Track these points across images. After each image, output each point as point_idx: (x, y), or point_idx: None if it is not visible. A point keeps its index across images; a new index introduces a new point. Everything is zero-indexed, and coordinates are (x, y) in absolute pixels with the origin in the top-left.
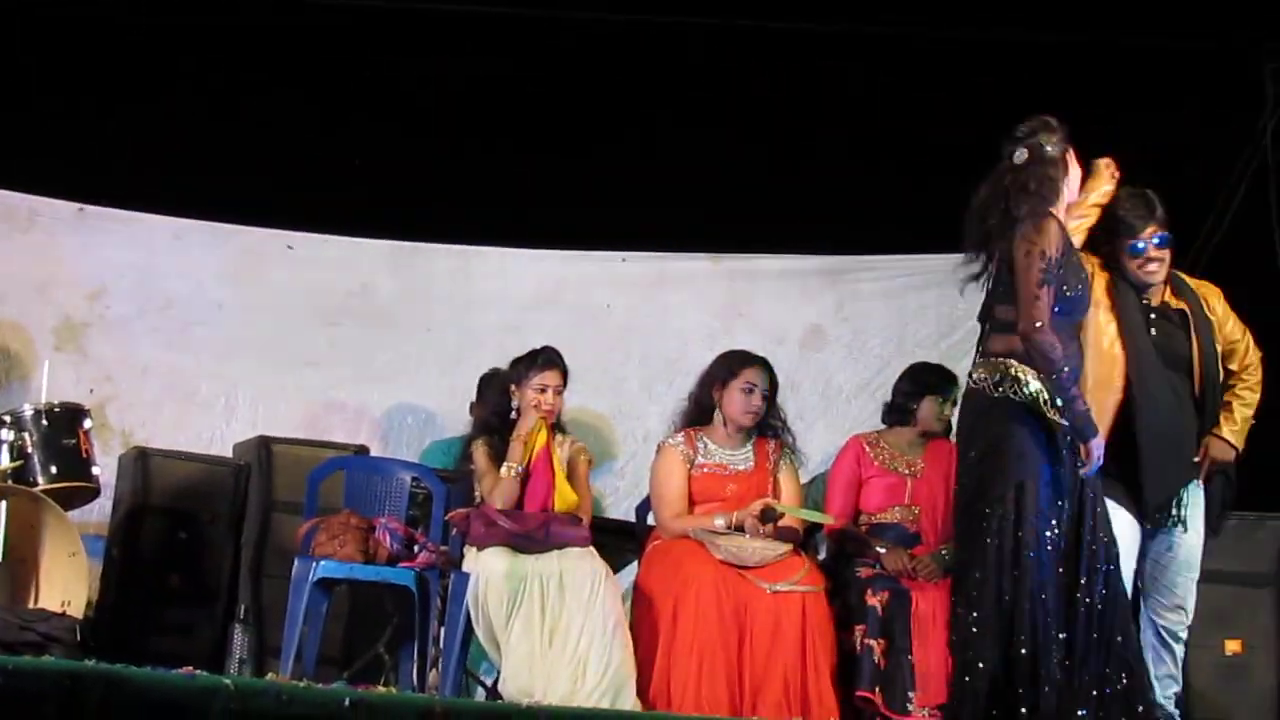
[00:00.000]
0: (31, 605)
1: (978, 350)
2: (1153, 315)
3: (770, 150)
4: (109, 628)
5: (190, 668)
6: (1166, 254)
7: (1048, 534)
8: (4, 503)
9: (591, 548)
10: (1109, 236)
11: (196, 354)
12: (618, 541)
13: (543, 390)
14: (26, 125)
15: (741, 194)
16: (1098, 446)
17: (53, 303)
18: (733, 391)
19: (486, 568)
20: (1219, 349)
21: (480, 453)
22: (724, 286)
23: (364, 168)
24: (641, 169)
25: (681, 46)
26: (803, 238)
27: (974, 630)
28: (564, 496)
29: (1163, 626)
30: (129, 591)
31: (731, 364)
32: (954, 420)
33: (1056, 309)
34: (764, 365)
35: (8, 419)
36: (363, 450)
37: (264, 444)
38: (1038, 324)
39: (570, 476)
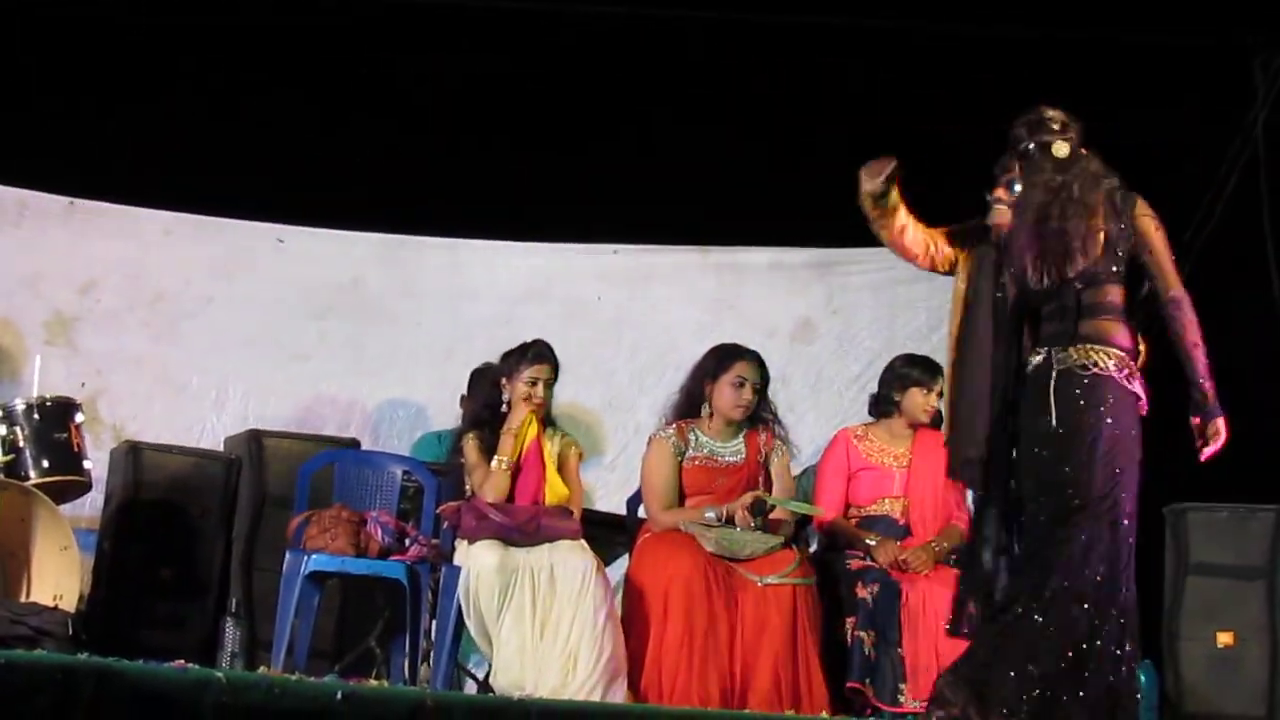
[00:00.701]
0: (23, 599)
1: (1068, 334)
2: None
3: (760, 144)
4: (101, 621)
5: (182, 661)
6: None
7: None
8: None
9: (582, 540)
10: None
11: (187, 348)
12: (608, 534)
13: (533, 384)
14: (17, 119)
15: (731, 187)
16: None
17: (43, 297)
18: (723, 386)
19: (477, 561)
20: None
21: (471, 446)
22: (714, 279)
23: (354, 161)
24: (631, 162)
25: (672, 41)
26: (792, 231)
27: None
28: (555, 489)
29: None
30: (121, 585)
31: (722, 358)
32: (941, 410)
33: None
34: (755, 359)
35: None
36: (354, 444)
37: (255, 438)
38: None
39: (561, 469)
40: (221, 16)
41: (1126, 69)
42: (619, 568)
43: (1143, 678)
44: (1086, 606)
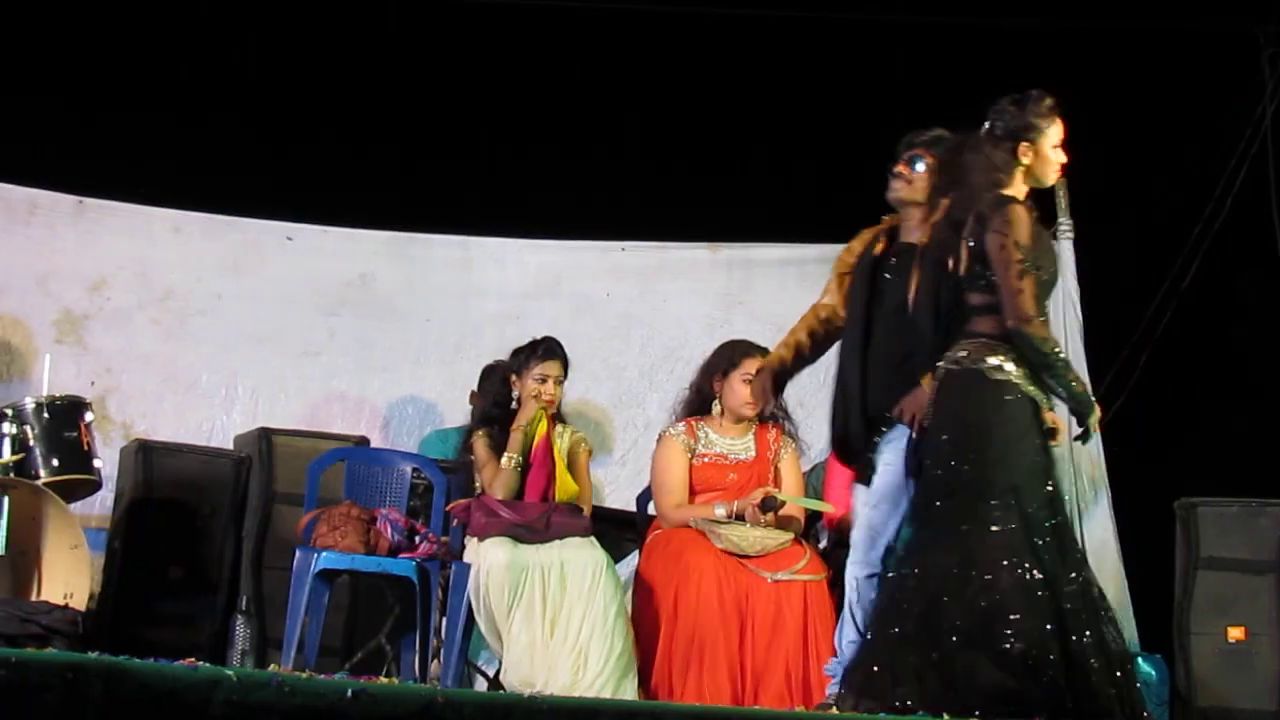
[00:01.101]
0: (34, 598)
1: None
2: (891, 257)
3: (769, 139)
4: (111, 620)
5: (192, 659)
6: (916, 177)
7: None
8: (6, 496)
9: (592, 537)
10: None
11: (197, 345)
12: (618, 531)
13: (543, 380)
14: (26, 118)
15: (740, 183)
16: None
17: (53, 295)
18: (733, 382)
19: (487, 558)
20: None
21: (480, 443)
22: (723, 275)
23: (364, 159)
24: (641, 158)
25: (682, 36)
26: (803, 226)
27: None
28: (564, 486)
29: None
30: (131, 584)
31: (733, 355)
32: None
33: None
34: (765, 355)
35: (9, 412)
36: (363, 441)
37: (264, 435)
38: (1027, 317)
39: (571, 466)
40: (230, 14)
41: (1129, 56)
42: (629, 564)
43: (1154, 672)
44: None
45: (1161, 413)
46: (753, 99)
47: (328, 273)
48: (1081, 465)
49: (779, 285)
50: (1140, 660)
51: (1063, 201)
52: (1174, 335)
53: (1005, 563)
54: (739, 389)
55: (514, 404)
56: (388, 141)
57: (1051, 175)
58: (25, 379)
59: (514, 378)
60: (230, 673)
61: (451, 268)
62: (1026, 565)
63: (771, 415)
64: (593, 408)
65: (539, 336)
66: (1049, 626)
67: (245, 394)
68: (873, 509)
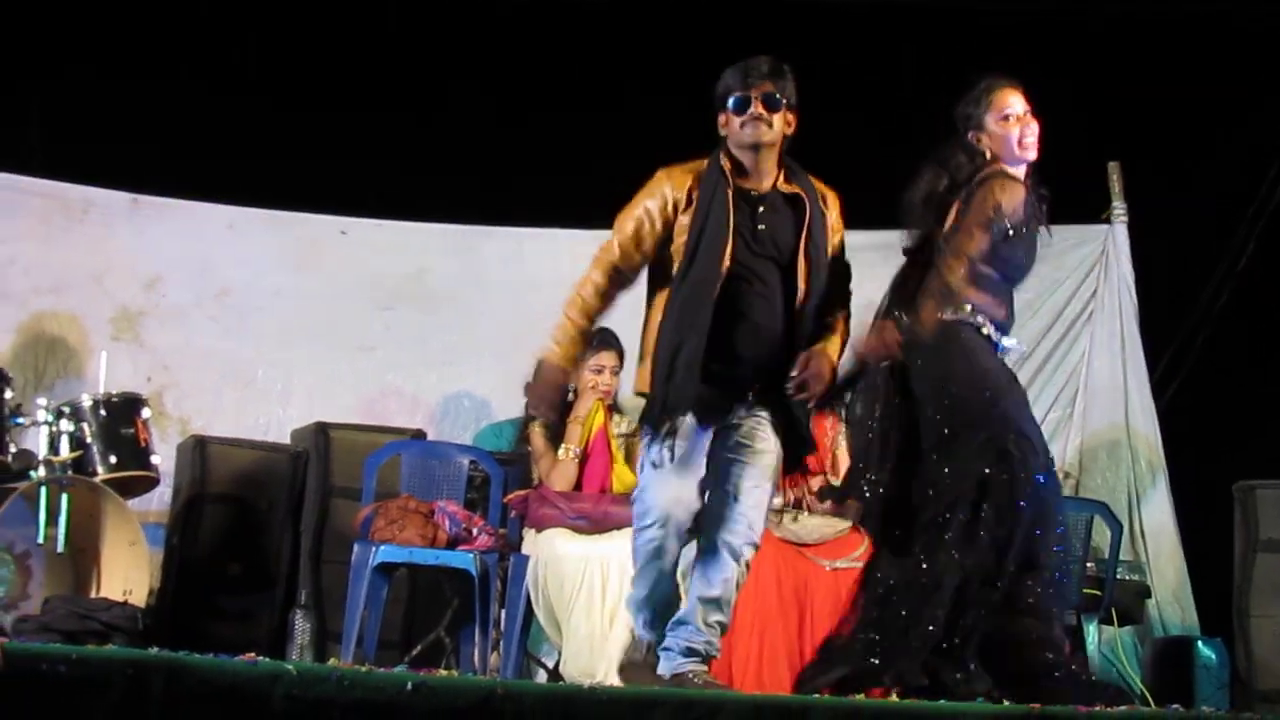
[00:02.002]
0: (93, 594)
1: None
2: (760, 206)
3: (820, 126)
4: (170, 615)
5: (252, 654)
6: (776, 119)
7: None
8: (64, 494)
9: None
10: (720, 95)
11: (253, 341)
12: None
13: (599, 371)
14: (81, 117)
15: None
16: None
17: (109, 293)
18: None
19: (546, 550)
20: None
21: (537, 435)
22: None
23: (417, 152)
24: (698, 146)
25: (727, 22)
26: (856, 213)
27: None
28: (622, 478)
29: (726, 540)
30: (190, 579)
31: None
32: None
33: (999, 274)
34: None
35: (66, 410)
36: (420, 435)
37: (321, 430)
38: (960, 260)
39: (628, 458)
40: (287, 10)
41: (1180, 42)
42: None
43: (1214, 655)
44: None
45: (1219, 396)
46: (801, 86)
47: (383, 267)
48: (1139, 449)
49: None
50: (1200, 644)
51: (1117, 185)
52: (1230, 317)
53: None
54: None
55: (571, 395)
56: (443, 135)
57: (1016, 149)
58: (80, 376)
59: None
60: (290, 667)
61: (506, 260)
62: None
63: (828, 402)
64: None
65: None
66: None
67: (301, 389)
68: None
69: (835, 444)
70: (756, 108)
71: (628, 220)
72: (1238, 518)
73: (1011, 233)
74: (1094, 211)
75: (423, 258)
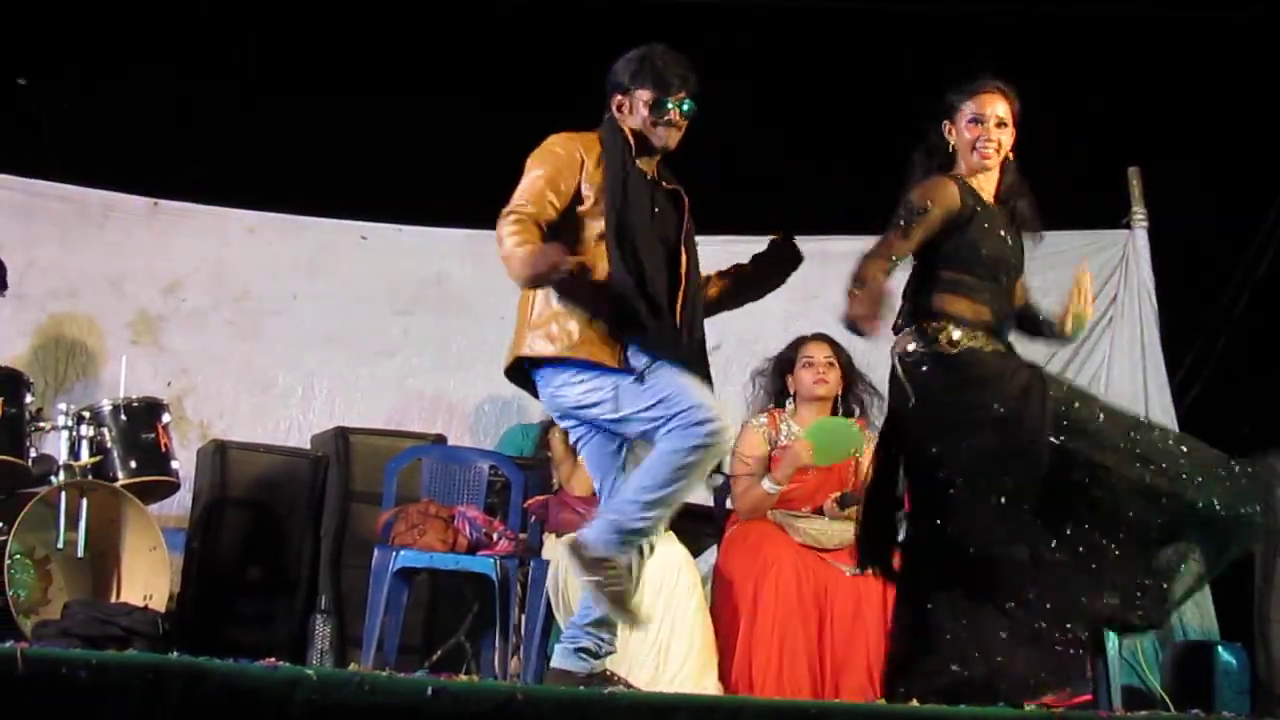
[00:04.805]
0: (114, 600)
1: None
2: (654, 190)
3: (842, 130)
4: (191, 620)
5: (272, 659)
6: (685, 125)
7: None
8: (85, 498)
9: (671, 533)
10: (632, 85)
11: (272, 346)
12: (697, 526)
13: None
14: (101, 122)
15: (813, 175)
16: None
17: (128, 297)
18: (799, 372)
19: (566, 555)
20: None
21: (558, 440)
22: (799, 268)
23: (436, 157)
24: (713, 152)
25: (752, 24)
26: (877, 218)
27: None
28: None
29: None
30: (210, 584)
31: (791, 348)
32: None
33: (967, 273)
34: (821, 338)
35: (87, 415)
36: (440, 439)
37: (341, 435)
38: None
39: None
40: (310, 17)
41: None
42: (708, 559)
43: (1234, 660)
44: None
45: (1238, 401)
46: (823, 91)
47: (402, 271)
48: None
49: None
50: (1220, 648)
51: (1137, 190)
52: (1250, 322)
53: None
54: (804, 375)
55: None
56: (462, 139)
57: (970, 154)
58: (99, 380)
59: None
60: (310, 672)
61: None
62: None
63: (858, 399)
64: None
65: None
66: None
67: (321, 393)
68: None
69: (860, 449)
70: (674, 115)
71: (550, 183)
72: None
73: (939, 226)
74: (1114, 217)
75: (442, 263)
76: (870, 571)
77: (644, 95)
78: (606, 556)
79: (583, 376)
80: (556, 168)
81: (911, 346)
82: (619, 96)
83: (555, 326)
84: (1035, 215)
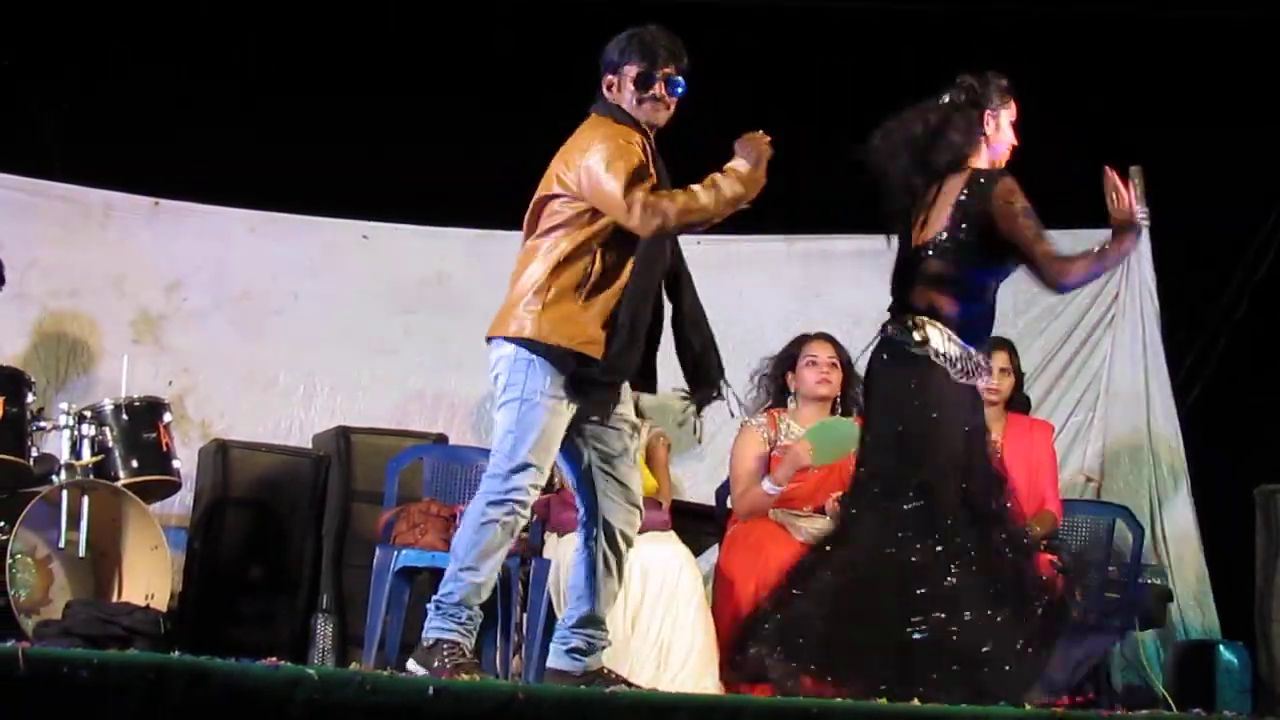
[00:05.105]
0: (115, 599)
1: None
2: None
3: (842, 131)
4: (192, 620)
5: (274, 659)
6: (673, 104)
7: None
8: (86, 498)
9: (672, 532)
10: (621, 61)
11: (274, 345)
12: (698, 525)
13: None
14: (101, 122)
15: (814, 175)
16: None
17: (129, 296)
18: (801, 370)
19: (567, 553)
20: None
21: None
22: (799, 268)
23: (438, 156)
24: (716, 151)
25: (750, 30)
26: (875, 218)
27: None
28: (644, 481)
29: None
30: (211, 583)
31: (794, 346)
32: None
33: (989, 273)
34: (825, 338)
35: (88, 414)
36: (441, 439)
37: (343, 434)
38: (1063, 275)
39: (649, 461)
40: (311, 16)
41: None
42: (709, 558)
43: (1235, 660)
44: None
45: (1240, 400)
46: (829, 89)
47: (404, 271)
48: (1161, 453)
49: (855, 277)
50: (1222, 648)
51: (1139, 190)
52: (1252, 322)
53: None
54: (807, 374)
55: None
56: (463, 139)
57: (1005, 153)
58: (99, 378)
59: None
60: (311, 671)
61: None
62: None
63: (855, 402)
64: (672, 400)
65: None
66: None
67: (323, 393)
68: None
69: None
70: (660, 89)
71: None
72: (1259, 522)
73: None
74: None
75: (443, 262)
76: None
77: (631, 70)
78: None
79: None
80: (634, 158)
81: (918, 336)
82: (609, 75)
83: (520, 308)
84: None
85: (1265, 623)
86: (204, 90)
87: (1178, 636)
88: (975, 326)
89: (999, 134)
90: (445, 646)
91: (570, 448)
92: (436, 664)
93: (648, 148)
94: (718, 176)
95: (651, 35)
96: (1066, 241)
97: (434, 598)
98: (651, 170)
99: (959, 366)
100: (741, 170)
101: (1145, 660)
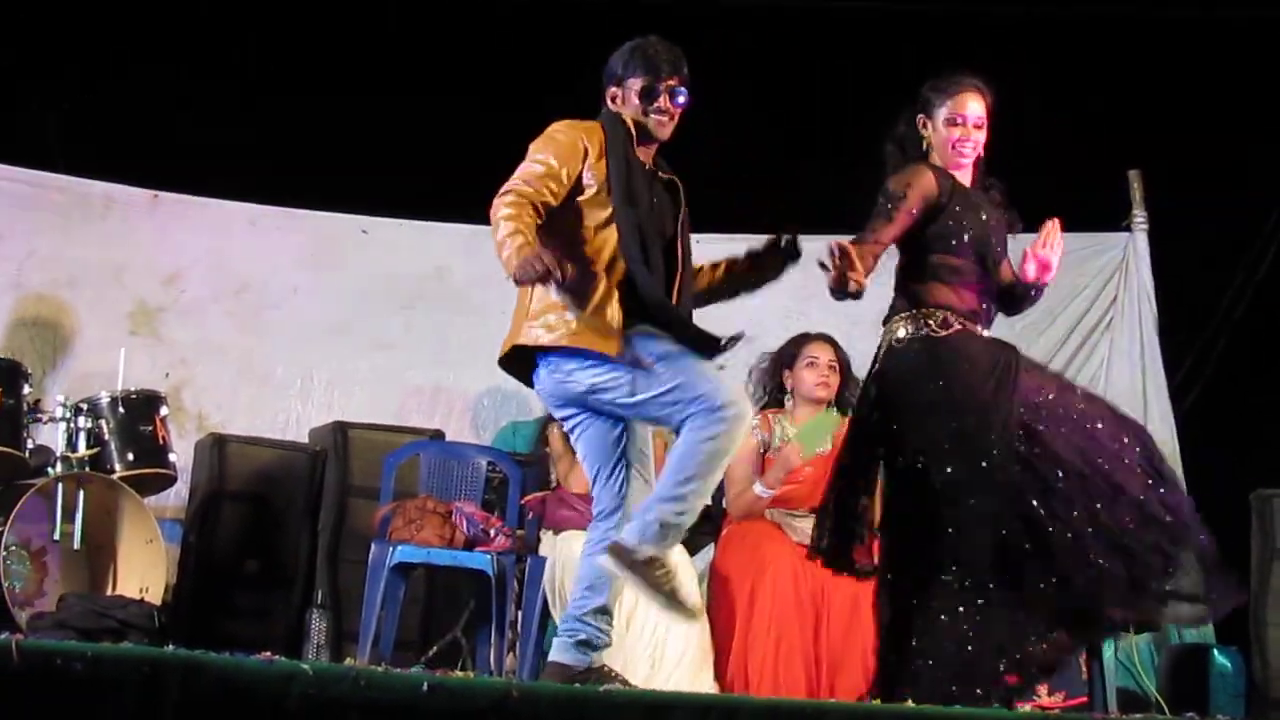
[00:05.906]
0: (110, 592)
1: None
2: (652, 180)
3: (842, 130)
4: (187, 613)
5: (268, 653)
6: (678, 114)
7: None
8: (81, 490)
9: None
10: (625, 74)
11: (272, 338)
12: (694, 524)
13: None
14: (101, 113)
15: (813, 175)
16: None
17: (128, 288)
18: (800, 370)
19: (563, 552)
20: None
21: (556, 436)
22: (799, 268)
23: (437, 151)
24: (713, 150)
25: (753, 25)
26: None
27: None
28: None
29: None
30: (206, 577)
31: (794, 345)
32: None
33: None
34: (825, 339)
35: (85, 406)
36: (438, 435)
37: (340, 429)
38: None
39: None
40: (311, 10)
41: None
42: (704, 557)
43: (1229, 664)
44: None
45: (1236, 404)
46: (829, 89)
47: (403, 266)
48: None
49: None
50: (1216, 652)
51: (1137, 193)
52: (1249, 326)
53: None
54: (806, 374)
55: None
56: (461, 134)
57: (948, 152)
58: (94, 369)
59: None
60: (306, 667)
61: None
62: None
63: (850, 404)
64: None
65: None
66: None
67: (320, 387)
68: None
69: None
70: (664, 102)
71: (550, 170)
72: (1254, 526)
73: (919, 211)
74: (1114, 219)
75: (442, 257)
76: (836, 569)
77: (635, 83)
78: (655, 555)
79: (592, 361)
80: (559, 154)
81: (901, 333)
82: (613, 88)
83: (554, 317)
84: (1008, 201)
85: (1259, 627)
86: (203, 90)
87: (1171, 640)
88: (960, 307)
89: (937, 133)
90: (660, 566)
91: (615, 434)
92: (651, 578)
93: (623, 145)
94: (526, 240)
95: (653, 48)
96: (1067, 242)
97: (659, 517)
98: (583, 174)
99: (924, 326)
100: (529, 255)
101: (1139, 664)
